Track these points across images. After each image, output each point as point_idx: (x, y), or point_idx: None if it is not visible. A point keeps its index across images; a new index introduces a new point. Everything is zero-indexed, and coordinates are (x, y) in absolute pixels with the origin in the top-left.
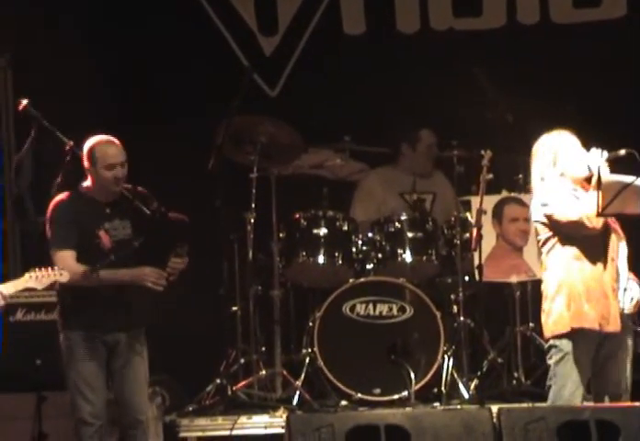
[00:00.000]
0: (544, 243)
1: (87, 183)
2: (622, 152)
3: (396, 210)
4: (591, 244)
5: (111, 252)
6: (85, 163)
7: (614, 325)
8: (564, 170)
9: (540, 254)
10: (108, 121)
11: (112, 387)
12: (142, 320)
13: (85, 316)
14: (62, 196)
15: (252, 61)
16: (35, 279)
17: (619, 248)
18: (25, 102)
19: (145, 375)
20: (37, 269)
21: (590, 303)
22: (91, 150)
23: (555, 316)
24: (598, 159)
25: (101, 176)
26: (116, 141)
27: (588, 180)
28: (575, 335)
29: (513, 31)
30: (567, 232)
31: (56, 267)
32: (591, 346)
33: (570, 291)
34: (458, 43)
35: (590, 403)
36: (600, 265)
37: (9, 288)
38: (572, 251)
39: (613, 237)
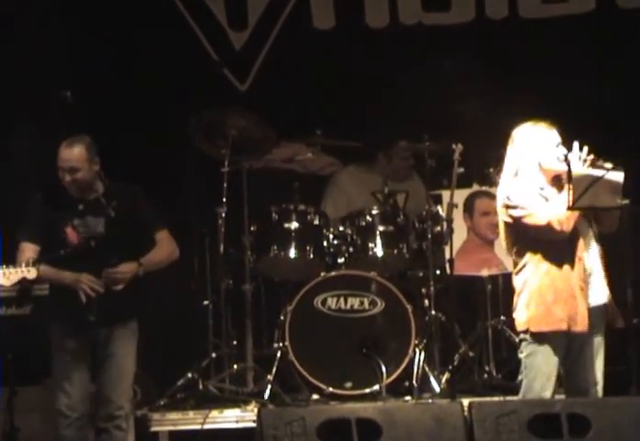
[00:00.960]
0: (513, 244)
1: None
2: (609, 165)
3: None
4: (559, 245)
5: (77, 249)
6: None
7: (582, 325)
8: (541, 161)
9: (508, 250)
10: (79, 113)
11: (94, 379)
12: (123, 313)
13: (67, 309)
14: (44, 189)
15: (222, 55)
16: (2, 276)
17: (589, 247)
18: (67, 93)
19: (128, 370)
20: (4, 266)
21: (558, 305)
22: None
23: (519, 314)
24: (577, 158)
25: None
26: (81, 143)
27: (558, 177)
28: (542, 334)
29: (482, 26)
30: (535, 236)
31: (24, 264)
32: (561, 343)
33: (533, 293)
34: (427, 37)
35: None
36: (567, 265)
37: None
38: (539, 252)
39: (582, 235)
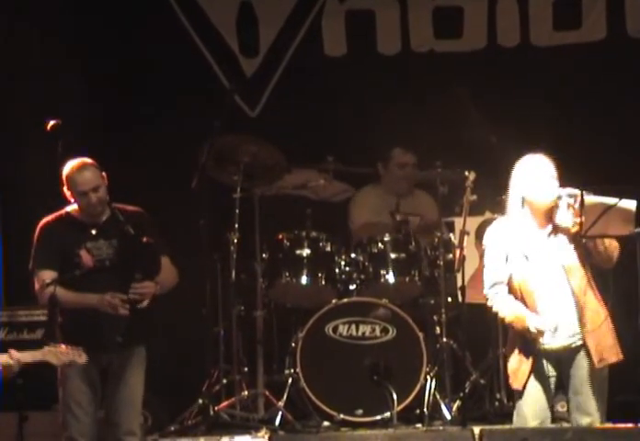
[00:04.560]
0: None
1: (74, 206)
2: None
3: (387, 227)
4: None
5: (92, 270)
6: (65, 190)
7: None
8: (525, 195)
9: None
10: (93, 140)
11: (104, 405)
12: (138, 340)
13: (76, 336)
14: (49, 217)
15: (233, 82)
16: (53, 355)
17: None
18: (53, 122)
19: (139, 396)
20: (57, 345)
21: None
22: (66, 178)
23: None
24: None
25: (78, 202)
26: (88, 164)
27: (549, 211)
28: None
29: (494, 53)
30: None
31: (75, 350)
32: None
33: None
34: (439, 65)
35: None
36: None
37: (27, 357)
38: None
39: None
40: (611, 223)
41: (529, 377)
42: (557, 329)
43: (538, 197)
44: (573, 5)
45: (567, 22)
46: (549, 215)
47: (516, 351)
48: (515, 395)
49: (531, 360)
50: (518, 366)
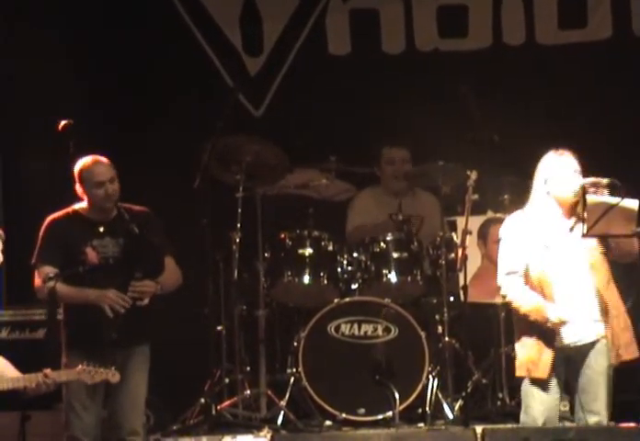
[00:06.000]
0: None
1: (83, 204)
2: (606, 181)
3: (387, 229)
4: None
5: (96, 268)
6: (77, 186)
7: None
8: (550, 190)
9: None
10: (93, 140)
11: (107, 404)
12: (138, 338)
13: (80, 334)
14: (56, 214)
15: (237, 81)
16: (87, 374)
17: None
18: (65, 122)
19: (142, 395)
20: (90, 364)
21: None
22: (80, 172)
23: None
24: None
25: (93, 195)
26: (102, 159)
27: (573, 205)
28: None
29: (499, 52)
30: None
31: (110, 369)
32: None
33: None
34: (443, 64)
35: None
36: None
37: (62, 377)
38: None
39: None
40: (613, 222)
41: (552, 367)
42: (575, 323)
43: (562, 191)
44: (578, 3)
45: (573, 21)
46: (572, 209)
47: (532, 341)
48: (527, 386)
49: (551, 351)
50: (538, 355)
